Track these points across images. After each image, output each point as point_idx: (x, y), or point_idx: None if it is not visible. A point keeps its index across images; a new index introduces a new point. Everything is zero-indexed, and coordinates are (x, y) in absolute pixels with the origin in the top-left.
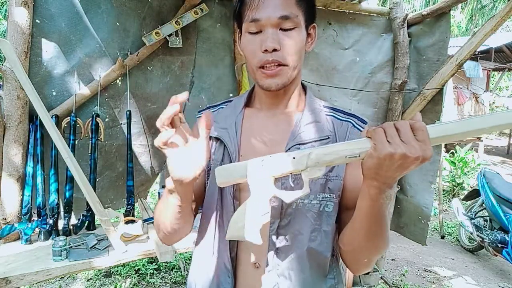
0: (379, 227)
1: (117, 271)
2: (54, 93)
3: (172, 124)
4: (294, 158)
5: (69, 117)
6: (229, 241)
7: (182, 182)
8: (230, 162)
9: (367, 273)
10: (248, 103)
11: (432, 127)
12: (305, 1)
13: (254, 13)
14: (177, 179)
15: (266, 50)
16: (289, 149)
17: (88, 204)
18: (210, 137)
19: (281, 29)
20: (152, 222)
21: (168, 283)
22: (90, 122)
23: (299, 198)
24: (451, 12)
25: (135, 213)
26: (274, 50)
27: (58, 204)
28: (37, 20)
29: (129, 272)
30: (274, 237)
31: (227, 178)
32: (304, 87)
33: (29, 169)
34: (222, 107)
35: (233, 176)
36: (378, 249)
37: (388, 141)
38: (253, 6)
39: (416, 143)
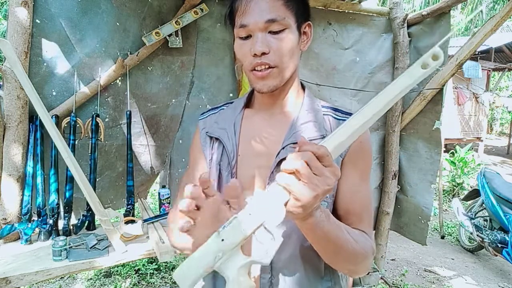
0: (332, 245)
1: (117, 271)
2: (54, 93)
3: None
4: (250, 214)
5: (69, 117)
6: None
7: None
8: (228, 162)
9: (367, 273)
10: (248, 104)
11: (326, 143)
12: (294, 1)
13: (242, 19)
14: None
15: (255, 55)
16: (283, 148)
17: (88, 204)
18: (210, 137)
19: (270, 32)
20: (152, 222)
21: (168, 283)
22: (90, 122)
23: (276, 250)
24: (451, 12)
25: (135, 213)
26: (263, 53)
27: (58, 204)
28: (37, 20)
29: (129, 272)
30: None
31: (193, 278)
32: (303, 87)
33: (29, 169)
34: (223, 108)
35: (198, 272)
36: (348, 262)
37: (304, 181)
38: (240, 12)
39: (327, 171)
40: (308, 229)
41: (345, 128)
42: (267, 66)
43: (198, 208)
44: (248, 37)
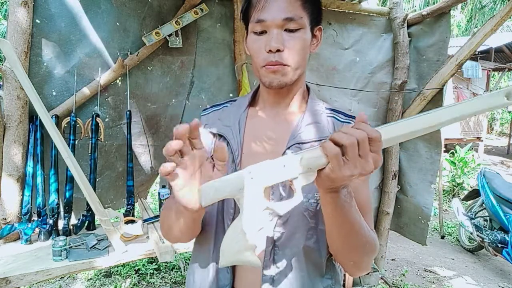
0: (348, 226)
1: (117, 271)
2: (54, 93)
3: (181, 151)
4: (284, 166)
5: (69, 117)
6: None
7: (188, 209)
8: (233, 159)
9: (367, 273)
10: (252, 103)
11: (382, 131)
12: (311, 3)
13: (260, 14)
14: (183, 206)
15: (270, 51)
16: (288, 148)
17: (88, 204)
18: (214, 134)
19: (285, 30)
20: (152, 222)
21: (168, 283)
22: (90, 122)
23: (286, 180)
24: (451, 12)
25: (135, 213)
26: (278, 50)
27: (58, 204)
28: (37, 20)
29: (129, 272)
30: (272, 234)
31: (213, 197)
32: (308, 89)
33: (29, 169)
34: (227, 106)
35: (220, 194)
36: (357, 250)
37: (347, 159)
38: (259, 7)
39: (371, 157)
40: (329, 202)
41: (404, 125)
42: (279, 65)
43: (182, 155)
44: (263, 32)
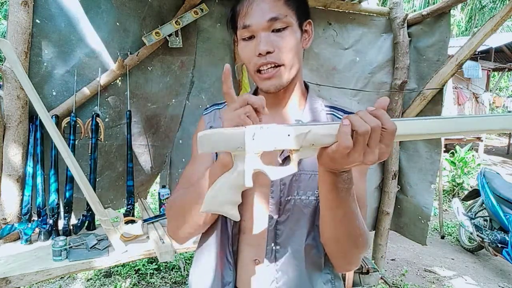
0: (343, 212)
1: (117, 271)
2: (54, 93)
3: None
4: (289, 135)
5: (69, 117)
6: (231, 235)
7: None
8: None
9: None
10: None
11: (399, 125)
12: (295, 0)
13: (245, 20)
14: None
15: (260, 54)
16: None
17: (88, 204)
18: None
19: (273, 31)
20: (152, 222)
21: (168, 283)
22: (90, 122)
23: (285, 176)
24: (451, 12)
25: (135, 213)
26: (268, 52)
27: (58, 204)
28: (37, 20)
29: (129, 272)
30: (273, 233)
31: (210, 148)
32: (306, 87)
33: (29, 169)
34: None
35: (218, 146)
36: (349, 240)
37: (355, 145)
38: (243, 14)
39: (378, 148)
40: (326, 182)
41: (420, 124)
42: (273, 65)
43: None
44: (251, 38)
